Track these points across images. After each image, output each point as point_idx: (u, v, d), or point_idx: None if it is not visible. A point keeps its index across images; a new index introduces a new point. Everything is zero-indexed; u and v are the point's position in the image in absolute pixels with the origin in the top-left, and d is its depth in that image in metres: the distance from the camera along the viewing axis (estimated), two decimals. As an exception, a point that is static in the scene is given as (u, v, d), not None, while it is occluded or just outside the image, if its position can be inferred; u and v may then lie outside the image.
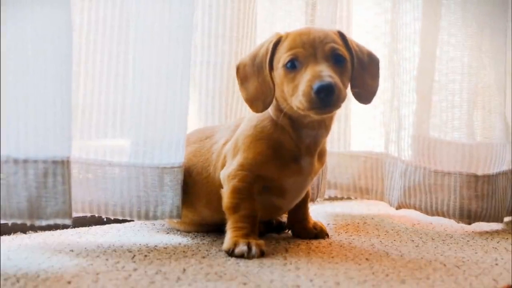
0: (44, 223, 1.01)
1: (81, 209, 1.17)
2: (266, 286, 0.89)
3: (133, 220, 1.29)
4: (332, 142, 1.59)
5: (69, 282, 0.88)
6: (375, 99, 1.56)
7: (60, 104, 1.02)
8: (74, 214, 1.22)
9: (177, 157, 1.17)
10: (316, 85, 1.00)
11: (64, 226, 1.26)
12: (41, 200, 1.00)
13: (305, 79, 1.02)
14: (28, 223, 1.00)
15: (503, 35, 1.44)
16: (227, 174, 1.12)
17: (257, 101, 1.11)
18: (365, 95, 1.14)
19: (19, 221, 1.00)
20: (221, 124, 1.31)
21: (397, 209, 1.48)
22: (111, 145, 1.18)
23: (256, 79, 1.11)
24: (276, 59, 1.09)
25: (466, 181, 1.39)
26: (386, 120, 1.56)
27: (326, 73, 1.01)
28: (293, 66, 1.06)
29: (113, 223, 1.31)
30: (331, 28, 1.15)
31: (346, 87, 1.08)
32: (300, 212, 1.25)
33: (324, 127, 1.13)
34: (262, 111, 1.11)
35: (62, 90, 1.02)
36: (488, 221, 1.40)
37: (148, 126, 1.16)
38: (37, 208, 1.00)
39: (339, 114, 1.60)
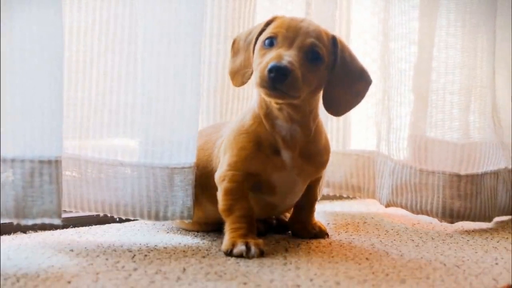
0: (30, 222, 1.00)
1: (94, 208, 1.17)
2: (266, 286, 0.89)
3: (133, 220, 1.29)
4: (330, 141, 1.58)
5: (69, 282, 0.88)
6: (371, 98, 1.59)
7: (49, 104, 1.01)
8: (87, 213, 1.24)
9: (188, 157, 1.17)
10: (271, 64, 1.00)
11: (64, 226, 1.26)
12: (28, 200, 1.00)
13: (268, 57, 1.03)
14: (15, 222, 1.00)
15: (493, 34, 1.46)
16: (218, 176, 1.13)
17: (238, 75, 1.14)
18: (336, 106, 1.13)
19: (5, 220, 1.00)
20: (231, 121, 1.31)
21: (386, 207, 1.49)
22: (123, 145, 1.18)
23: (243, 53, 1.13)
24: (262, 36, 1.10)
25: (449, 180, 1.39)
26: (378, 119, 1.56)
27: (287, 58, 1.02)
28: (270, 44, 1.07)
29: (112, 222, 1.31)
30: (330, 29, 1.15)
31: (311, 86, 1.07)
32: (303, 213, 1.24)
33: (296, 122, 1.11)
34: (240, 85, 1.14)
35: (52, 90, 1.02)
36: (473, 220, 1.41)
37: (158, 126, 1.16)
38: (24, 208, 0.99)
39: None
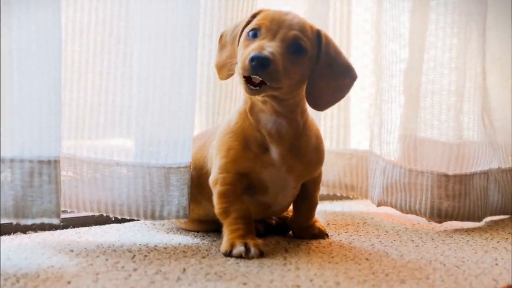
0: (30, 222, 1.00)
1: (89, 208, 1.17)
2: (266, 286, 0.89)
3: (133, 220, 1.29)
4: (324, 140, 1.58)
5: (69, 282, 0.88)
6: (369, 99, 1.59)
7: (48, 104, 1.01)
8: (86, 213, 1.24)
9: (183, 157, 1.17)
10: (252, 53, 1.00)
11: (64, 226, 1.26)
12: (27, 199, 1.00)
13: (251, 48, 1.03)
14: (14, 222, 1.00)
15: (483, 35, 1.47)
16: (211, 180, 1.14)
17: (224, 68, 1.14)
18: (317, 100, 1.12)
19: (5, 220, 1.00)
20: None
21: (377, 206, 1.50)
22: (119, 145, 1.18)
23: (230, 46, 1.13)
24: (246, 28, 1.10)
25: (437, 181, 1.40)
26: (371, 119, 1.57)
27: (268, 48, 1.02)
28: (254, 35, 1.07)
29: (112, 223, 1.31)
30: (324, 29, 1.15)
31: (293, 79, 1.06)
32: (303, 215, 1.24)
33: (282, 116, 1.10)
34: (225, 78, 1.14)
35: (49, 90, 1.02)
36: (462, 220, 1.42)
37: (154, 126, 1.16)
38: (23, 207, 1.00)
39: (333, 112, 1.60)
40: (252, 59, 1.00)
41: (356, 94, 1.64)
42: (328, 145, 1.61)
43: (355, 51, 1.63)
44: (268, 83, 1.02)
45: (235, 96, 1.42)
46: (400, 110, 1.48)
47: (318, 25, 1.18)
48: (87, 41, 1.16)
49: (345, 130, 1.64)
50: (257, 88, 1.02)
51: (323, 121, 1.59)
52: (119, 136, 1.19)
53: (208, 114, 1.40)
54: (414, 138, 1.46)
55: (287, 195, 1.18)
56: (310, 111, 1.15)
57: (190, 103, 1.18)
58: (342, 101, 1.54)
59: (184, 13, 1.15)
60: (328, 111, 1.59)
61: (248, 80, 1.02)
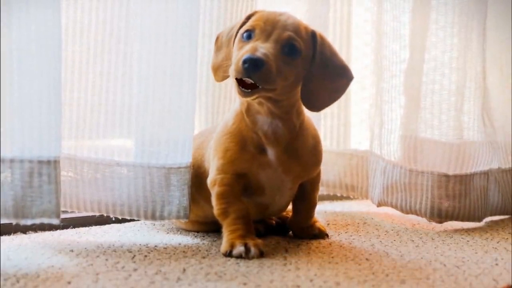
0: (29, 222, 1.00)
1: (90, 208, 1.18)
2: (266, 287, 0.89)
3: (133, 220, 1.29)
4: (324, 141, 1.59)
5: (69, 282, 0.88)
6: (370, 100, 1.59)
7: (48, 104, 1.01)
8: (87, 214, 1.24)
9: (184, 157, 1.17)
10: (245, 55, 1.00)
11: (64, 226, 1.26)
12: (27, 200, 1.00)
13: (244, 50, 1.03)
14: (14, 222, 1.00)
15: (483, 35, 1.47)
16: (209, 181, 1.14)
17: (219, 70, 1.14)
18: (313, 101, 1.11)
19: (4, 221, 1.00)
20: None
21: (377, 206, 1.50)
22: (119, 145, 1.19)
23: (226, 48, 1.13)
24: (241, 29, 1.10)
25: (437, 181, 1.41)
26: (372, 120, 1.57)
27: (262, 50, 1.01)
28: (248, 37, 1.06)
29: (113, 223, 1.31)
30: (324, 30, 1.15)
31: (287, 80, 1.05)
32: (302, 216, 1.24)
33: (278, 117, 1.10)
34: (221, 80, 1.15)
35: (49, 90, 1.02)
36: (462, 220, 1.42)
37: (154, 126, 1.16)
38: (23, 208, 1.00)
39: (333, 112, 1.61)
40: (245, 61, 0.99)
41: (357, 94, 1.64)
42: (328, 145, 1.61)
43: (356, 51, 1.63)
44: (260, 86, 1.01)
45: (234, 96, 1.42)
46: (400, 110, 1.48)
47: (318, 25, 1.18)
48: (88, 41, 1.17)
49: (346, 130, 1.64)
50: (249, 90, 1.02)
51: (323, 121, 1.59)
52: (120, 136, 1.20)
53: (207, 114, 1.41)
54: (415, 139, 1.46)
55: (285, 195, 1.18)
56: (310, 111, 1.15)
57: (190, 103, 1.18)
58: (342, 101, 1.57)
59: (184, 13, 1.15)
60: (328, 110, 1.59)
61: (241, 82, 1.02)
